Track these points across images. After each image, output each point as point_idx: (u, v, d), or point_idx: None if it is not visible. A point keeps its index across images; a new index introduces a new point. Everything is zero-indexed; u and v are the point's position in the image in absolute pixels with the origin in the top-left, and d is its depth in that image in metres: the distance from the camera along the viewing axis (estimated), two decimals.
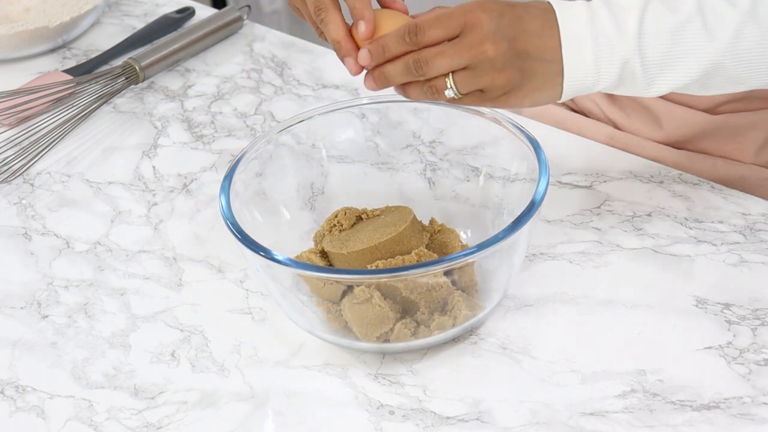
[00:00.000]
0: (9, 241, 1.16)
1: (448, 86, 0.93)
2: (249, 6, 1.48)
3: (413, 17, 0.97)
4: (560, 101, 0.95)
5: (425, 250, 0.99)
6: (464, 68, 0.92)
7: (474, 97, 0.94)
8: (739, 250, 1.05)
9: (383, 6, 1.00)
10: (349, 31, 0.97)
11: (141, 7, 1.54)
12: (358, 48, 0.96)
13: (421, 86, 0.94)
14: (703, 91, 0.95)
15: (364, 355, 0.99)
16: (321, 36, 1.00)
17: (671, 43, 0.91)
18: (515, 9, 0.93)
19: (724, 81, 0.94)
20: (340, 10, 0.97)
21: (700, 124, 1.20)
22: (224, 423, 0.94)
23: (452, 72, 0.92)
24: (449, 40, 0.93)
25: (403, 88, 0.95)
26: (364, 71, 0.97)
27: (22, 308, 1.07)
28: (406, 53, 0.93)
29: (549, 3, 0.94)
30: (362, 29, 0.95)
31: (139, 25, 1.49)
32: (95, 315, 1.06)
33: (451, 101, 0.95)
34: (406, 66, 0.93)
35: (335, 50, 0.97)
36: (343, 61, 0.97)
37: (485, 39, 0.91)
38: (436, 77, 0.93)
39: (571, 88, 0.93)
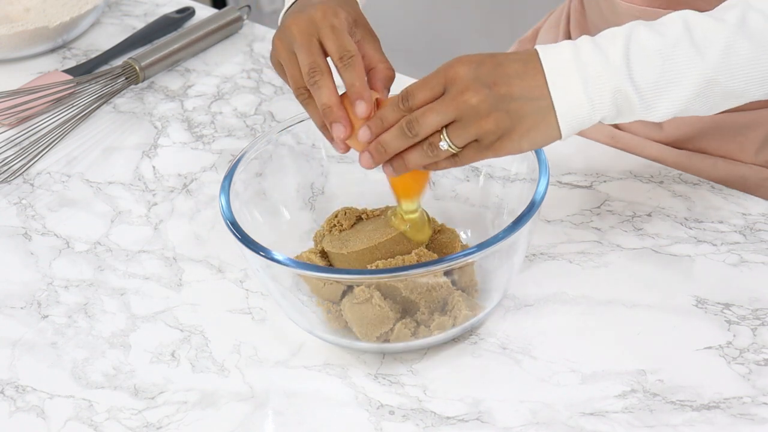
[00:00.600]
0: (9, 241, 1.16)
1: (443, 140, 0.93)
2: (249, 6, 1.48)
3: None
4: (563, 139, 0.94)
5: (425, 250, 0.99)
6: (454, 122, 0.92)
7: (471, 149, 0.94)
8: (739, 250, 1.05)
9: (370, 84, 0.99)
10: (339, 99, 0.96)
11: (141, 7, 1.54)
12: (348, 116, 0.95)
13: (419, 148, 0.94)
14: (706, 110, 0.95)
15: (364, 355, 0.99)
16: (302, 98, 0.99)
17: (662, 66, 0.92)
18: (495, 57, 0.94)
19: (722, 97, 0.94)
20: (332, 76, 0.97)
21: (700, 123, 1.20)
22: (224, 423, 0.94)
23: (445, 128, 0.93)
24: (436, 99, 0.93)
25: (403, 157, 0.94)
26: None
27: (22, 308, 1.08)
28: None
29: (533, 48, 0.94)
30: (361, 109, 0.94)
31: (139, 25, 1.49)
32: (95, 315, 1.06)
33: (454, 161, 0.94)
34: (400, 129, 0.93)
35: (324, 114, 0.96)
36: (331, 127, 0.96)
37: (466, 89, 0.92)
38: (431, 136, 0.93)
39: (568, 123, 0.93)
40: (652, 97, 0.93)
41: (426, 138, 0.93)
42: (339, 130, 0.96)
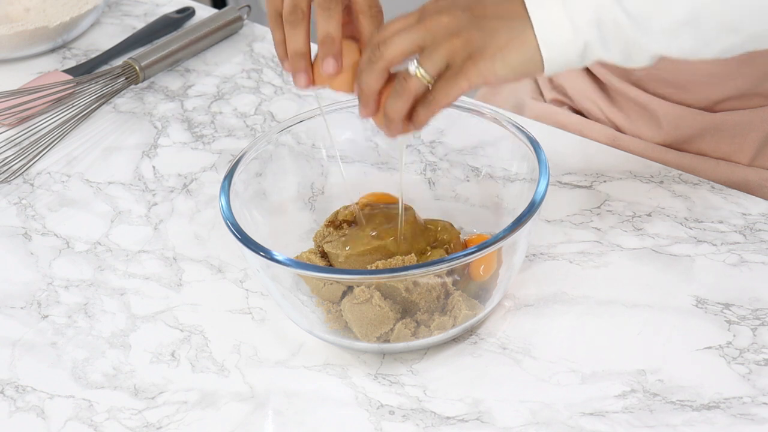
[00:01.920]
0: (9, 241, 1.16)
1: (411, 65, 0.89)
2: (249, 6, 1.48)
3: None
4: (546, 69, 0.89)
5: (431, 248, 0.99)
6: (424, 49, 0.90)
7: (444, 79, 0.90)
8: (739, 250, 1.05)
9: (350, 35, 0.98)
10: (309, 47, 0.95)
11: (141, 7, 1.54)
12: (312, 66, 0.95)
13: (392, 87, 0.91)
14: (700, 43, 0.90)
15: (364, 355, 0.99)
16: (273, 23, 0.98)
17: None
18: None
19: (718, 28, 0.89)
20: (309, 23, 0.96)
21: (699, 123, 1.20)
22: (224, 423, 0.94)
23: (417, 59, 0.90)
24: None
25: (385, 111, 0.92)
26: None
27: (22, 308, 1.08)
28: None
29: None
30: (328, 67, 0.94)
31: (139, 25, 1.49)
32: (95, 315, 1.06)
33: (430, 101, 0.91)
34: (367, 57, 0.91)
35: (292, 60, 0.95)
36: (294, 76, 0.95)
37: (440, 12, 0.89)
38: (406, 78, 0.90)
39: (548, 47, 0.88)
40: (644, 20, 0.88)
41: (397, 72, 0.90)
42: (300, 80, 0.95)
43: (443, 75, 0.90)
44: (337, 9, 0.94)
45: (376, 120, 0.95)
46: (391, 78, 0.93)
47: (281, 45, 0.98)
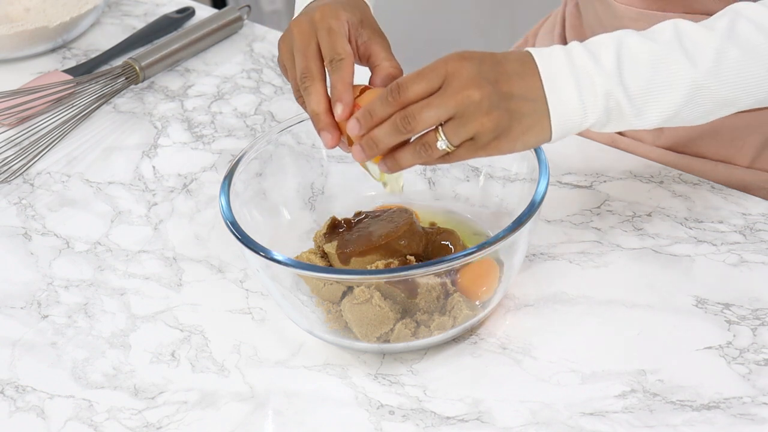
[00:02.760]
0: (9, 241, 1.16)
1: (439, 139, 0.91)
2: (249, 6, 1.48)
3: None
4: (551, 142, 0.94)
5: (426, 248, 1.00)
6: (452, 118, 0.91)
7: (465, 148, 0.92)
8: (739, 250, 1.05)
9: (372, 83, 0.99)
10: (330, 105, 0.96)
11: (141, 7, 1.54)
12: (335, 123, 0.95)
13: (413, 147, 0.93)
14: (696, 117, 0.95)
15: (364, 355, 0.99)
16: (299, 101, 1.00)
17: (653, 72, 0.92)
18: (494, 55, 0.93)
19: (712, 105, 0.94)
20: (325, 82, 0.97)
21: (698, 127, 1.20)
22: (224, 423, 0.94)
23: (441, 125, 0.91)
24: (431, 94, 0.91)
25: (394, 156, 0.93)
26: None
27: (22, 308, 1.08)
28: (393, 114, 0.92)
29: (526, 50, 0.94)
30: (338, 111, 0.94)
31: (139, 25, 1.49)
32: (95, 315, 1.06)
33: (445, 159, 0.93)
34: (394, 125, 0.91)
35: (313, 121, 0.96)
36: (319, 134, 0.96)
37: (469, 84, 0.90)
38: (426, 134, 0.92)
39: (559, 127, 0.93)
40: (642, 103, 0.93)
41: (421, 138, 0.92)
42: (326, 138, 0.96)
43: (465, 144, 0.92)
44: (346, 63, 0.96)
45: (369, 159, 0.95)
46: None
47: (318, 116, 0.97)
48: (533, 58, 0.93)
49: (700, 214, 1.09)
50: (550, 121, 0.92)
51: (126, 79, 1.35)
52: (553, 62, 0.92)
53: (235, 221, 0.97)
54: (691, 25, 0.94)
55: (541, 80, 0.92)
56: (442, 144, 0.91)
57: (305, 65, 0.97)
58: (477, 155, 0.93)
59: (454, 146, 0.92)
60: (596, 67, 0.92)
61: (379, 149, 0.93)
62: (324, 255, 1.03)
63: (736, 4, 0.96)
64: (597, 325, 0.99)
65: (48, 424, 0.96)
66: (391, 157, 0.94)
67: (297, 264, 0.94)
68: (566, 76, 0.92)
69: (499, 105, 0.91)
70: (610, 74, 0.92)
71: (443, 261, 0.91)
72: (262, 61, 1.40)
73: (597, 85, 0.92)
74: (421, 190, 1.12)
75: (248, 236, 0.95)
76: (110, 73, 1.35)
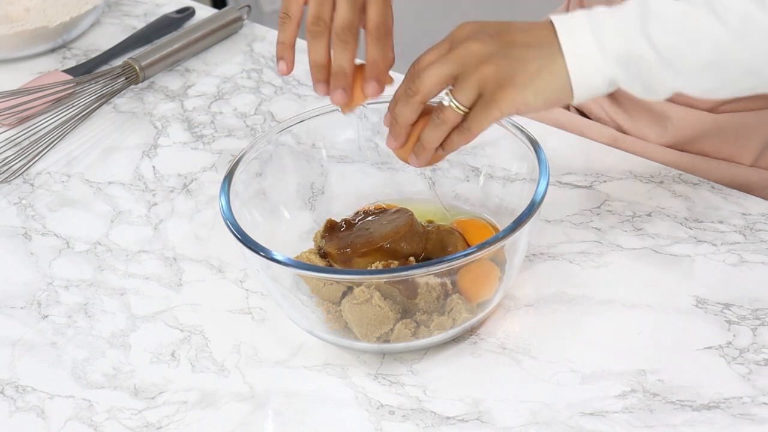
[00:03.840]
0: (9, 241, 1.16)
1: (450, 102, 0.91)
2: (249, 6, 1.48)
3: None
4: (575, 97, 0.90)
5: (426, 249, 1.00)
6: (457, 79, 0.91)
7: (478, 107, 0.91)
8: (739, 250, 1.05)
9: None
10: (329, 59, 0.97)
11: (141, 7, 1.54)
12: (329, 78, 0.97)
13: (430, 120, 0.93)
14: (719, 84, 0.92)
15: (364, 355, 0.99)
16: (283, 21, 0.98)
17: (681, 26, 0.89)
18: (502, 21, 0.93)
19: (741, 70, 0.91)
20: (330, 36, 0.97)
21: (702, 124, 1.20)
22: (224, 423, 0.94)
23: (451, 91, 0.92)
24: None
25: (420, 140, 0.94)
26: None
27: (22, 308, 1.08)
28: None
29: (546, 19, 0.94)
30: (339, 98, 0.97)
31: (139, 25, 1.49)
32: (95, 315, 1.06)
33: (464, 131, 0.93)
34: (403, 91, 0.93)
35: (311, 71, 0.96)
36: (315, 86, 0.97)
37: (469, 39, 0.90)
38: (439, 105, 0.93)
39: (578, 75, 0.89)
40: (670, 56, 0.89)
41: (435, 109, 0.92)
42: (319, 89, 0.97)
43: (476, 103, 0.91)
44: (353, 42, 0.96)
45: (400, 153, 0.97)
46: (425, 110, 0.94)
47: (283, 45, 0.98)
48: (550, 20, 0.92)
49: (700, 214, 1.09)
50: (565, 64, 0.90)
51: (126, 79, 1.35)
52: (571, 18, 0.91)
53: (235, 221, 0.97)
54: None
55: (553, 30, 0.90)
56: (446, 100, 0.91)
57: (319, 11, 0.96)
58: (492, 113, 0.91)
59: (465, 107, 0.91)
60: (617, 17, 0.89)
61: (399, 125, 0.93)
62: (324, 255, 1.03)
63: None
64: (597, 325, 0.99)
65: (48, 424, 0.96)
66: (418, 143, 0.94)
67: (297, 264, 0.94)
68: (583, 24, 0.90)
69: (499, 52, 0.90)
70: (632, 25, 0.89)
71: (443, 261, 0.91)
72: (262, 61, 1.40)
73: (618, 32, 0.89)
74: (421, 190, 1.12)
75: (248, 236, 0.95)
76: (110, 73, 1.35)
